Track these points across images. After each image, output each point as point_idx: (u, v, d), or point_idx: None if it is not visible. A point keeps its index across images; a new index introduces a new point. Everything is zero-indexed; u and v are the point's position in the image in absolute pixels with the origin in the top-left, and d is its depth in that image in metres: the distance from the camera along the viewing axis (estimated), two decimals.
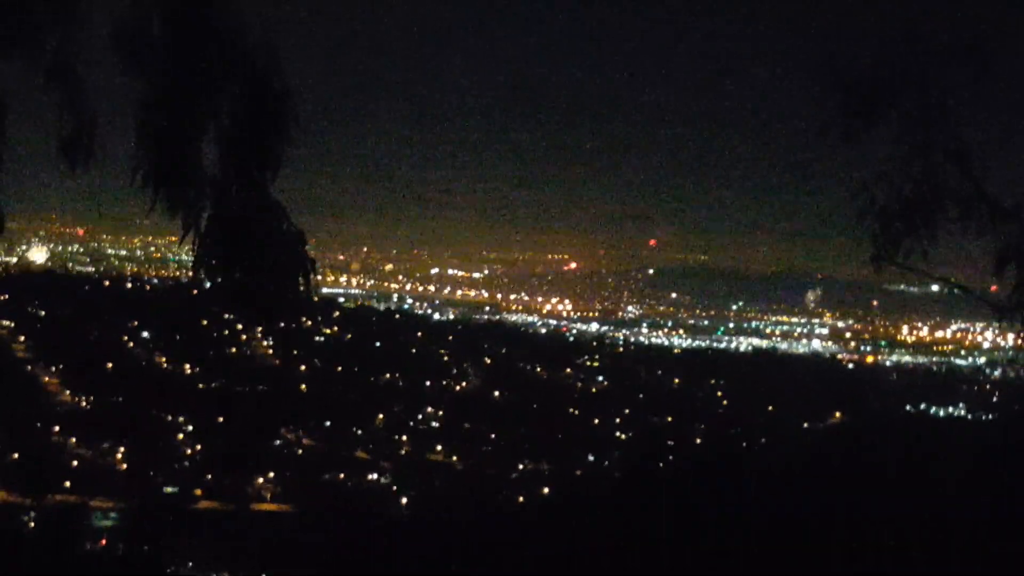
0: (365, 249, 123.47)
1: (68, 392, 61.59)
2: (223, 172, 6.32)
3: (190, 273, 6.46)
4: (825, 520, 35.14)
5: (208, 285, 6.44)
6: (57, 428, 55.51)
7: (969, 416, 72.90)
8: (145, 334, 71.99)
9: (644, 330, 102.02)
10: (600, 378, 76.41)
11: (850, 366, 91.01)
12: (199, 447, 55.45)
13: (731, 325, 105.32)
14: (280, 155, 6.34)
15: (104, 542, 44.03)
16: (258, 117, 6.27)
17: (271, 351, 72.52)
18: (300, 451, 57.36)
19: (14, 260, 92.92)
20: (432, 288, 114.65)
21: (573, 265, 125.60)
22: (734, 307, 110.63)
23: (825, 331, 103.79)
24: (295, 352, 71.75)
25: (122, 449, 53.91)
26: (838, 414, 69.34)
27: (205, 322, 71.29)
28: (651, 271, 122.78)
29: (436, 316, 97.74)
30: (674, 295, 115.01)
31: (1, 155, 6.52)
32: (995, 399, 78.80)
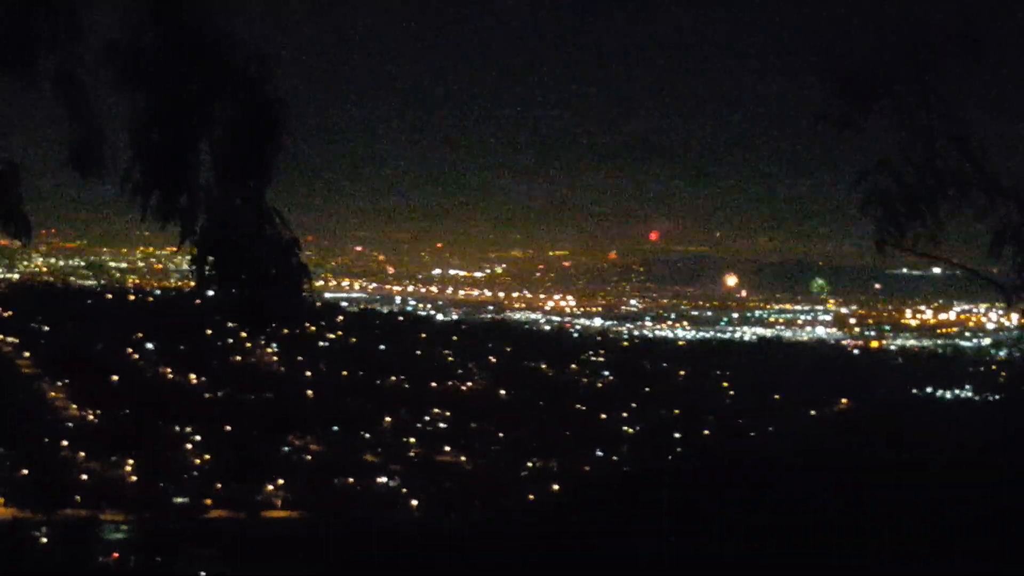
0: (376, 253, 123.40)
1: (75, 406, 61.63)
2: (218, 181, 6.36)
3: (191, 283, 6.50)
4: (836, 506, 35.15)
5: (209, 294, 6.47)
6: (65, 443, 55.53)
7: (976, 398, 72.87)
8: (149, 345, 72.04)
9: (648, 323, 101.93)
10: (606, 373, 76.40)
11: (855, 352, 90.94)
12: (207, 456, 55.49)
13: (735, 315, 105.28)
14: (273, 163, 6.37)
15: (116, 555, 44.10)
16: (251, 126, 6.30)
17: (276, 358, 72.54)
18: (308, 457, 57.40)
19: (15, 275, 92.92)
20: (434, 289, 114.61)
21: (568, 264, 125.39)
22: (737, 297, 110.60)
23: (829, 317, 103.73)
24: (300, 358, 71.81)
25: (131, 461, 53.94)
26: (845, 400, 69.33)
27: (209, 331, 71.33)
28: (653, 264, 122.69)
29: (439, 317, 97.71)
30: (676, 287, 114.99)
31: (16, 165, 6.57)
32: (1001, 380, 78.77)
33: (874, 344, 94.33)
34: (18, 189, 6.58)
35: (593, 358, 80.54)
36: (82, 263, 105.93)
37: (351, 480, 54.12)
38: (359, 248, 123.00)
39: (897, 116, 7.01)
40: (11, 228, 6.62)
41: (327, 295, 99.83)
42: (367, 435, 60.37)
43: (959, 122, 6.94)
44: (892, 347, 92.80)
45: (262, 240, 6.34)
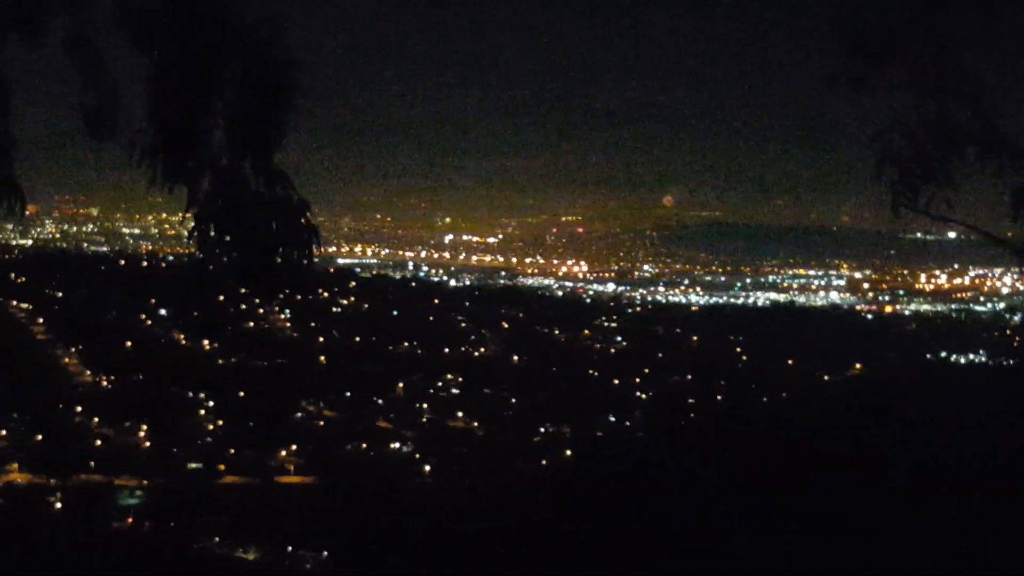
0: (378, 216, 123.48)
1: (89, 372, 61.78)
2: (227, 144, 6.30)
3: (191, 249, 6.46)
4: (849, 471, 35.15)
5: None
6: (79, 408, 55.71)
7: (990, 362, 72.78)
8: (163, 312, 72.15)
9: (661, 288, 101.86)
10: (618, 338, 76.35)
11: (868, 316, 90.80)
12: (221, 422, 55.61)
13: (748, 280, 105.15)
14: (283, 126, 6.32)
15: (130, 520, 44.29)
16: (260, 87, 6.25)
17: (289, 324, 72.65)
18: (321, 423, 57.49)
19: (29, 242, 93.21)
20: (447, 255, 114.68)
21: (581, 229, 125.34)
22: (751, 262, 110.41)
23: (843, 282, 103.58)
24: (313, 324, 71.87)
25: (145, 427, 54.09)
26: (858, 365, 69.25)
27: (222, 297, 71.41)
28: (666, 229, 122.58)
29: (452, 283, 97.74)
30: (690, 252, 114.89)
31: (11, 135, 6.50)
32: (1015, 344, 78.67)
33: (888, 309, 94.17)
34: (11, 160, 6.53)
35: (606, 324, 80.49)
36: (95, 229, 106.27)
37: (364, 446, 54.19)
38: (373, 214, 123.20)
39: (910, 75, 6.88)
40: (5, 199, 6.55)
41: (340, 261, 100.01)
42: (380, 401, 60.44)
43: (972, 80, 6.81)
44: (906, 312, 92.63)
45: (270, 203, 6.28)
